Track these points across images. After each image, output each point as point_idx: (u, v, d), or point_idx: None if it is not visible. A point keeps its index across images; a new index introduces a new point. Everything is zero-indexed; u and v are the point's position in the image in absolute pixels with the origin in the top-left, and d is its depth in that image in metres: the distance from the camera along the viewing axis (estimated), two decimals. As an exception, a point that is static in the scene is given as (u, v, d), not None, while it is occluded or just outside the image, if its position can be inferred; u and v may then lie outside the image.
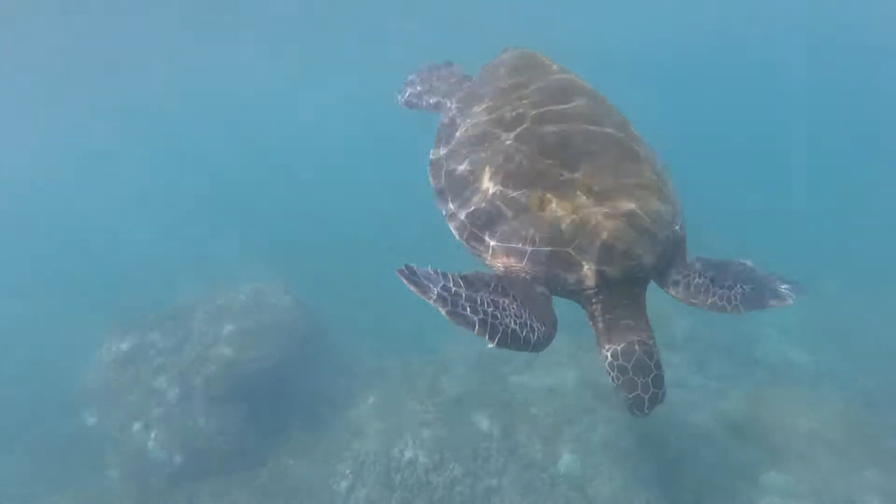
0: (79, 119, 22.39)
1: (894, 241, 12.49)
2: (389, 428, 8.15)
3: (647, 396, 2.38)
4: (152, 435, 8.11)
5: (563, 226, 2.49)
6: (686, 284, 2.66)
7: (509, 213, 2.62)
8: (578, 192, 2.56)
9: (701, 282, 2.65)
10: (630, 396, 2.41)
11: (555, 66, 3.41)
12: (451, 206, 2.92)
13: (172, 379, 8.51)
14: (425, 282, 2.32)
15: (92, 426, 8.84)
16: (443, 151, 3.24)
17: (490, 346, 2.28)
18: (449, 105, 3.72)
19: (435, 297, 2.25)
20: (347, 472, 7.61)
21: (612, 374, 2.47)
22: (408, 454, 7.58)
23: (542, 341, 2.39)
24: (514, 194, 2.63)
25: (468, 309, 2.24)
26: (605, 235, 2.46)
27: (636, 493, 6.80)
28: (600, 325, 2.58)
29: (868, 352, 9.27)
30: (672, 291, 2.69)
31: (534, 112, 2.94)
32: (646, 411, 2.41)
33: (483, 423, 8.05)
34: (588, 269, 2.47)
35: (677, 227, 2.70)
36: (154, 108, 23.06)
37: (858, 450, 6.84)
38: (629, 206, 2.54)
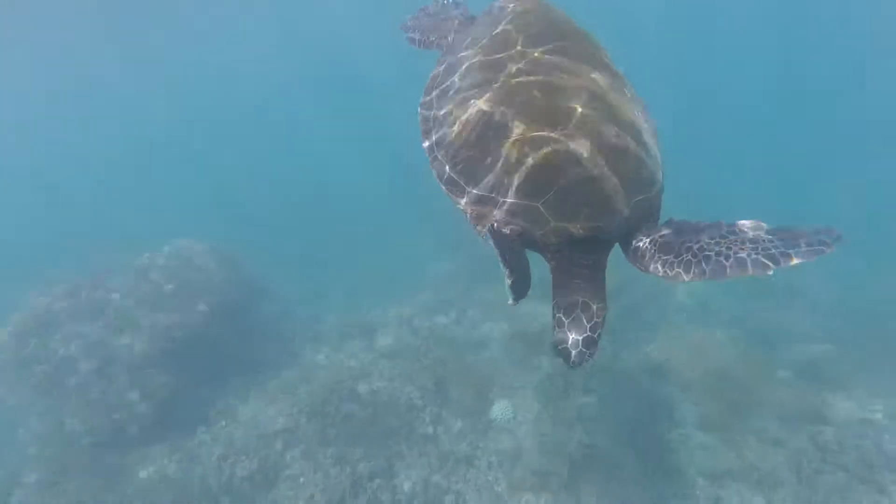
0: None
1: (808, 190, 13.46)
2: (324, 386, 8.10)
3: (574, 352, 2.50)
4: (69, 406, 7.68)
5: (536, 180, 2.51)
6: (636, 248, 2.64)
7: (487, 161, 2.63)
8: (556, 147, 2.52)
9: (648, 247, 2.60)
10: (559, 348, 2.55)
11: (557, 13, 3.25)
12: (434, 149, 2.93)
13: (89, 347, 8.03)
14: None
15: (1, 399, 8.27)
16: (434, 93, 3.18)
17: (511, 304, 2.49)
18: (447, 46, 3.66)
19: (509, 271, 2.38)
20: (281, 429, 7.53)
21: (552, 323, 2.60)
22: (344, 408, 7.59)
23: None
24: (493, 143, 2.63)
25: (507, 271, 2.40)
26: (574, 195, 2.49)
27: (564, 434, 7.14)
28: (556, 278, 2.68)
29: (772, 294, 10.06)
30: (627, 254, 2.71)
31: (524, 60, 2.86)
32: (571, 364, 2.52)
33: (418, 375, 8.17)
34: (553, 227, 2.52)
35: (652, 193, 2.66)
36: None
37: (758, 381, 7.50)
38: (604, 166, 2.51)
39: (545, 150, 2.52)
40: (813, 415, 6.89)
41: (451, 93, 3.01)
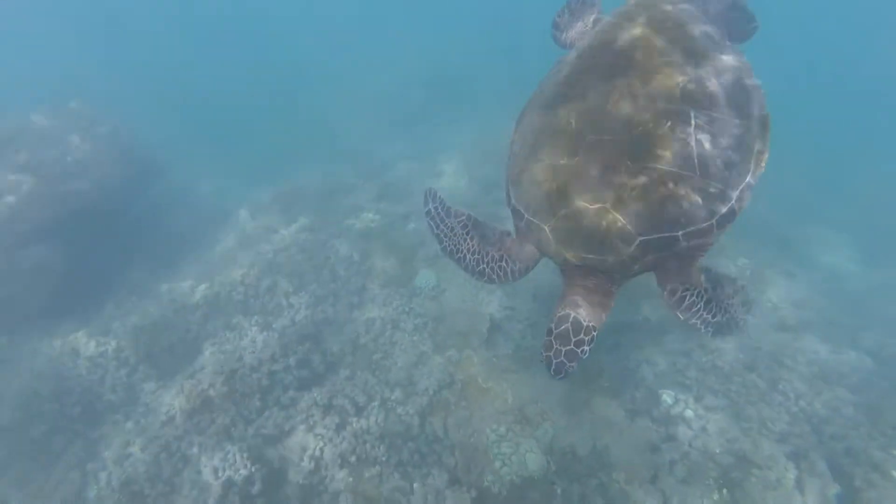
0: None
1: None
2: (244, 259, 7.87)
3: (555, 361, 2.70)
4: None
5: (551, 205, 2.76)
6: (679, 299, 2.81)
7: (525, 179, 2.93)
8: (582, 175, 2.66)
9: (693, 300, 2.80)
10: (543, 354, 2.77)
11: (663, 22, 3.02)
12: (510, 160, 3.22)
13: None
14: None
15: None
16: (534, 100, 3.30)
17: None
18: (568, 48, 3.71)
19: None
20: (201, 302, 7.32)
21: (546, 330, 2.84)
22: (265, 281, 7.47)
23: (480, 270, 3.33)
24: (536, 164, 2.88)
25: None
26: (574, 225, 2.68)
27: (485, 298, 7.56)
28: (562, 290, 2.95)
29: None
30: (662, 294, 2.86)
31: (591, 87, 2.87)
32: (551, 372, 2.73)
33: (342, 248, 8.14)
34: (555, 249, 2.80)
35: (679, 232, 2.60)
36: None
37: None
38: (612, 201, 2.59)
39: (572, 177, 2.70)
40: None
41: (536, 103, 3.19)
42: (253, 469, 4.98)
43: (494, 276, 3.25)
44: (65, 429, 6.04)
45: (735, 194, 2.63)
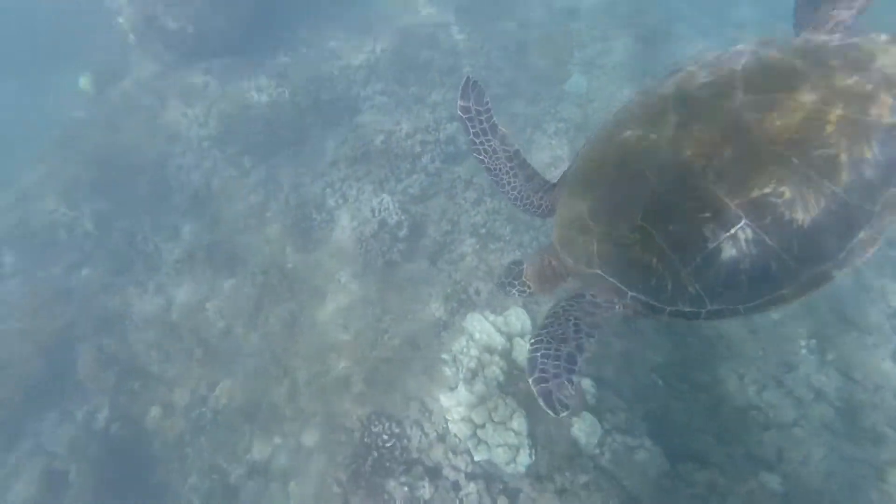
0: None
1: None
2: (403, 29, 8.05)
3: (500, 280, 3.37)
4: (160, 6, 7.80)
5: (576, 191, 2.75)
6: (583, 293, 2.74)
7: (584, 155, 2.80)
8: (608, 193, 2.54)
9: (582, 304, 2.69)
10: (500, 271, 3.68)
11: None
12: (604, 126, 2.85)
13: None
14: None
15: None
16: (678, 78, 2.58)
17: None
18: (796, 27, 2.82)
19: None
20: (362, 65, 7.83)
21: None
22: (423, 54, 7.74)
23: (521, 206, 3.28)
24: (596, 153, 2.71)
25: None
26: (570, 221, 2.71)
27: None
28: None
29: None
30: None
31: (703, 120, 2.29)
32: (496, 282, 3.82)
33: (499, 36, 8.05)
34: (555, 221, 2.92)
35: (630, 293, 2.50)
36: None
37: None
38: (601, 235, 2.54)
39: (593, 178, 2.65)
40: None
41: (652, 95, 2.64)
42: (402, 217, 5.94)
43: (528, 213, 3.34)
44: (251, 152, 7.29)
45: (710, 307, 2.32)
